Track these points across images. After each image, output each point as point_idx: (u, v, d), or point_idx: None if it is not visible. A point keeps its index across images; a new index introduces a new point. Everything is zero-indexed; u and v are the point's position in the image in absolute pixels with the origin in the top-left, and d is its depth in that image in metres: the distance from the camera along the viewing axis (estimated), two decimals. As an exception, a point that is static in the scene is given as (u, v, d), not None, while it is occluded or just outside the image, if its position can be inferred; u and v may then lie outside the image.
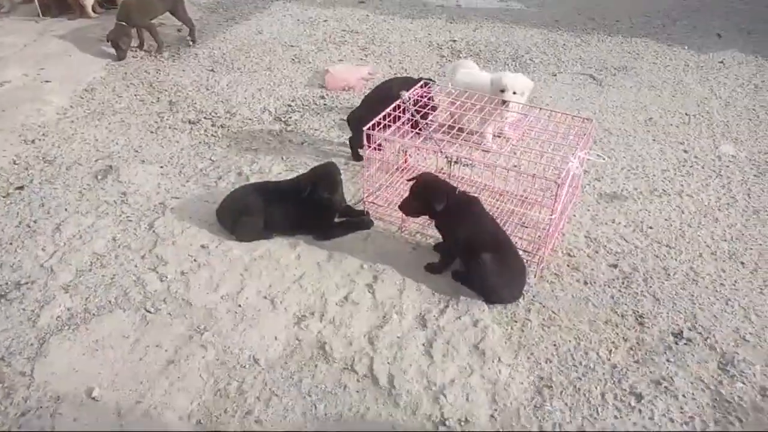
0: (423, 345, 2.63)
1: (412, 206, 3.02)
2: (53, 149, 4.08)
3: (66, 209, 3.48)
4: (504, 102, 3.70)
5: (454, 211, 2.90)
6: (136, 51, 5.54)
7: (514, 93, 3.75)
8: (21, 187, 3.68)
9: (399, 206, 3.07)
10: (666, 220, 3.47)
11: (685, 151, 4.14)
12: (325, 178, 3.21)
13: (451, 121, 3.56)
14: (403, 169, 3.75)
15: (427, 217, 3.08)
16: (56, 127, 4.35)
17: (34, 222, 3.38)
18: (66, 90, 4.88)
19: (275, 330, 2.71)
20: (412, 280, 2.99)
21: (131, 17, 5.30)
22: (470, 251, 2.87)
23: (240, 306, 2.83)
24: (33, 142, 4.16)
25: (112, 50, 5.37)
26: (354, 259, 3.11)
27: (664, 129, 4.43)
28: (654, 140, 4.29)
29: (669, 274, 3.05)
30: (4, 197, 3.59)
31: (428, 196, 2.92)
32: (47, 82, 5.00)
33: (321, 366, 2.54)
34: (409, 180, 3.08)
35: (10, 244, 3.21)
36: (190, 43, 5.75)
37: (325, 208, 3.25)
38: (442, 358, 2.56)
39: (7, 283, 2.95)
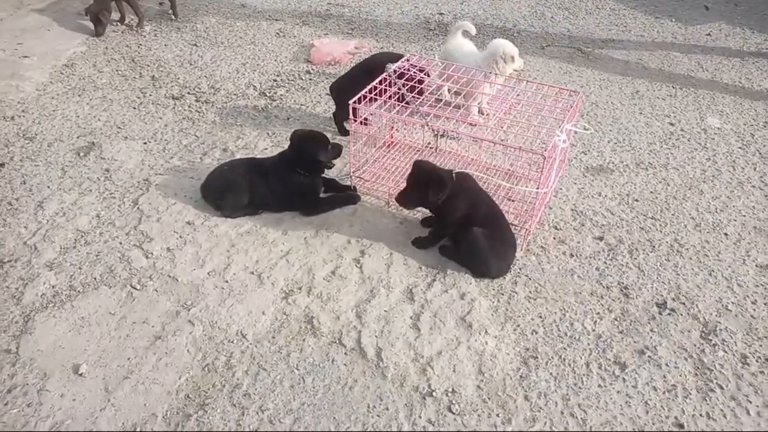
0: (410, 318, 2.65)
1: (411, 198, 2.95)
2: (34, 126, 4.00)
3: (48, 186, 3.43)
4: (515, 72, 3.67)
5: (450, 198, 2.88)
6: (116, 25, 5.40)
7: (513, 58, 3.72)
8: (2, 165, 3.61)
9: (396, 198, 3.00)
10: (651, 192, 3.49)
11: (671, 124, 4.15)
12: (312, 138, 3.20)
13: (448, 95, 3.53)
14: (389, 144, 3.73)
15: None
16: (36, 104, 4.25)
17: (16, 200, 3.32)
18: (45, 65, 4.76)
19: (263, 305, 2.71)
20: (400, 255, 2.99)
21: None
22: (462, 225, 2.87)
23: (227, 281, 2.82)
24: (12, 118, 4.07)
25: (91, 25, 5.23)
26: (341, 234, 3.11)
27: (651, 102, 4.43)
28: (641, 113, 4.30)
29: (654, 246, 3.08)
30: (-16, 175, 3.52)
31: (428, 186, 2.84)
32: (25, 57, 4.87)
33: (309, 340, 2.55)
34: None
35: (-8, 222, 3.17)
36: (173, 17, 5.62)
37: (313, 179, 3.25)
38: (429, 331, 2.58)
39: (-11, 262, 2.92)
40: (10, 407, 2.27)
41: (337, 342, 2.54)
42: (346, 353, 2.49)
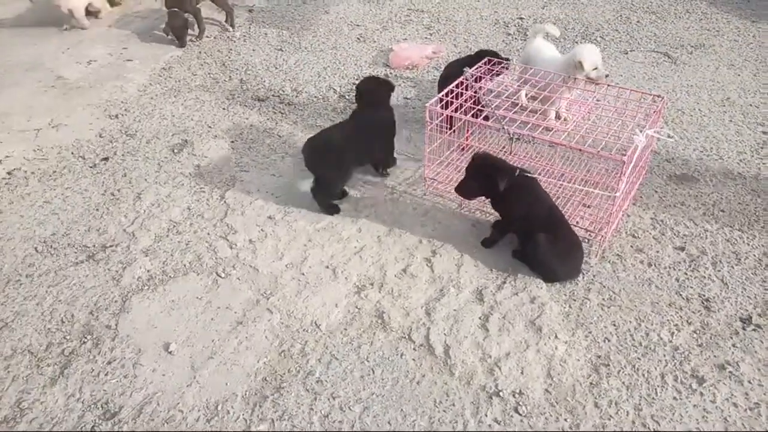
0: (479, 318, 2.68)
1: (470, 188, 3.00)
2: (134, 124, 4.35)
3: (146, 180, 3.73)
4: (592, 81, 3.55)
5: (511, 191, 2.89)
6: (195, 40, 5.66)
7: (595, 68, 3.61)
8: (106, 158, 3.96)
9: (456, 189, 3.05)
10: (740, 203, 3.33)
11: (765, 132, 3.93)
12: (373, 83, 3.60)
13: (525, 99, 3.50)
14: (464, 147, 3.76)
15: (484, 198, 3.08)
16: (137, 103, 4.62)
17: (118, 191, 3.64)
18: (146, 68, 5.16)
19: (336, 298, 2.82)
20: (470, 257, 3.03)
21: (183, 2, 5.45)
22: (526, 231, 2.88)
23: (303, 274, 2.97)
24: (116, 116, 4.45)
25: (174, 39, 5.53)
26: (413, 234, 3.18)
27: (743, 109, 4.21)
28: (731, 121, 4.10)
29: (740, 259, 2.95)
30: (91, 167, 3.87)
31: (489, 176, 2.89)
32: (129, 60, 5.30)
33: (379, 334, 2.64)
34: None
35: (97, 210, 3.48)
36: (229, 29, 5.86)
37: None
38: (497, 332, 2.60)
39: (94, 245, 3.21)
40: (110, 377, 2.50)
41: (407, 337, 2.61)
42: (414, 349, 2.56)
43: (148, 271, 3.02)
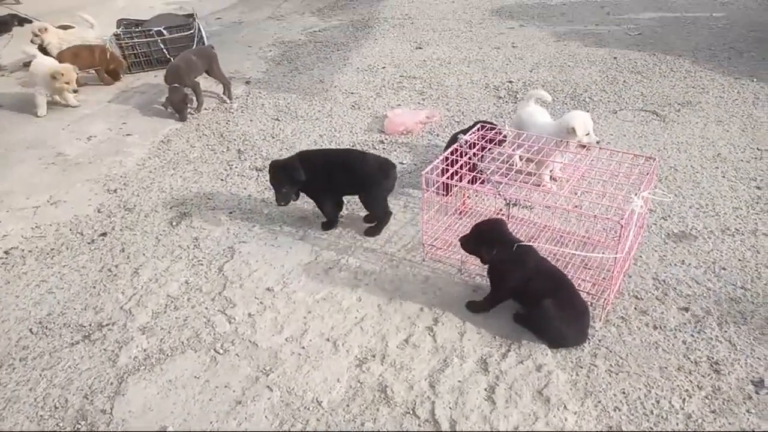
0: (485, 390, 2.61)
1: (468, 244, 3.06)
2: (133, 197, 4.38)
3: (144, 254, 3.72)
4: (583, 146, 3.64)
5: (504, 261, 2.91)
6: (193, 112, 5.76)
7: (587, 134, 3.69)
8: (104, 234, 3.96)
9: (459, 239, 3.11)
10: (740, 260, 3.31)
11: (758, 188, 3.97)
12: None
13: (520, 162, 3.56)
14: (461, 212, 3.78)
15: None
16: (136, 177, 4.67)
17: (116, 267, 3.62)
18: (145, 142, 5.25)
19: (337, 372, 2.76)
20: (473, 324, 2.98)
21: (183, 78, 5.60)
22: (531, 297, 2.85)
23: (303, 348, 2.91)
24: (115, 191, 4.48)
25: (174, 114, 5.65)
26: (414, 302, 3.14)
27: (734, 165, 4.27)
28: (723, 177, 4.14)
29: (746, 318, 2.90)
30: (89, 243, 3.87)
31: (481, 242, 2.95)
32: (128, 135, 5.40)
33: (382, 409, 2.56)
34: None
35: (94, 287, 3.45)
36: (227, 101, 6.00)
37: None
38: (504, 404, 2.53)
39: (90, 325, 3.16)
40: (102, 466, 2.40)
41: (411, 413, 2.53)
42: (420, 425, 2.48)
43: (144, 350, 2.96)
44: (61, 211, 4.26)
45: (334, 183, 3.71)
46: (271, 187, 3.82)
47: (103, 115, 5.86)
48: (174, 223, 4.03)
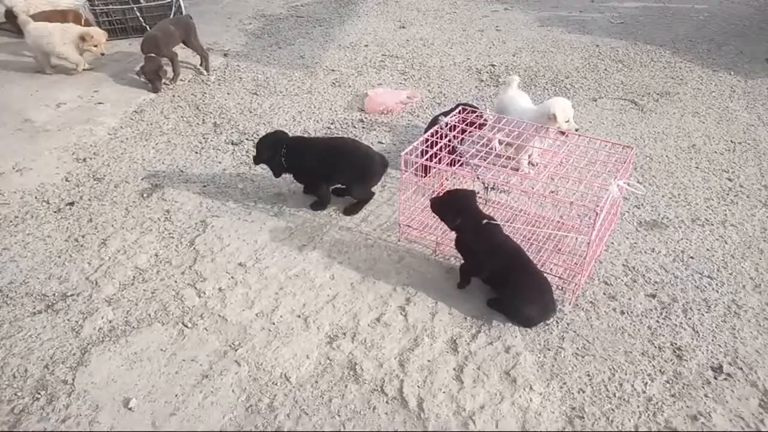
0: (454, 369, 2.62)
1: (437, 206, 3.09)
2: (103, 167, 4.27)
3: (112, 225, 3.63)
4: (563, 133, 3.64)
5: (471, 236, 2.95)
6: (169, 83, 5.61)
7: (567, 121, 3.69)
8: (72, 203, 3.85)
9: (431, 199, 3.15)
10: (708, 250, 3.37)
11: (730, 179, 4.03)
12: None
13: (499, 146, 3.55)
14: (439, 193, 3.77)
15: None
16: (107, 147, 4.55)
17: (82, 237, 3.53)
18: (117, 111, 5.11)
19: (307, 349, 2.74)
20: (445, 304, 2.98)
21: (160, 48, 5.45)
22: (496, 276, 2.87)
23: (273, 324, 2.88)
24: (84, 160, 4.36)
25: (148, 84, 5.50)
26: (387, 281, 3.14)
27: (708, 156, 4.33)
28: (697, 168, 4.20)
29: (710, 306, 2.96)
30: (55, 212, 3.76)
31: (447, 209, 3.01)
32: (100, 103, 5.25)
33: (351, 386, 2.55)
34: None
35: (59, 257, 3.36)
36: (204, 72, 5.87)
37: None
38: (472, 384, 2.55)
39: (54, 294, 3.09)
40: (63, 437, 2.36)
41: (379, 390, 2.53)
42: (387, 402, 2.48)
43: (110, 321, 2.91)
44: (26, 178, 4.14)
45: (329, 172, 3.67)
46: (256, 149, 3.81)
47: (74, 82, 5.68)
48: (145, 195, 3.94)
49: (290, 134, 3.88)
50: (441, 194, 3.12)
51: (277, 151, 3.68)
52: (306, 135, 4.54)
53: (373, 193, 3.78)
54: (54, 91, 5.46)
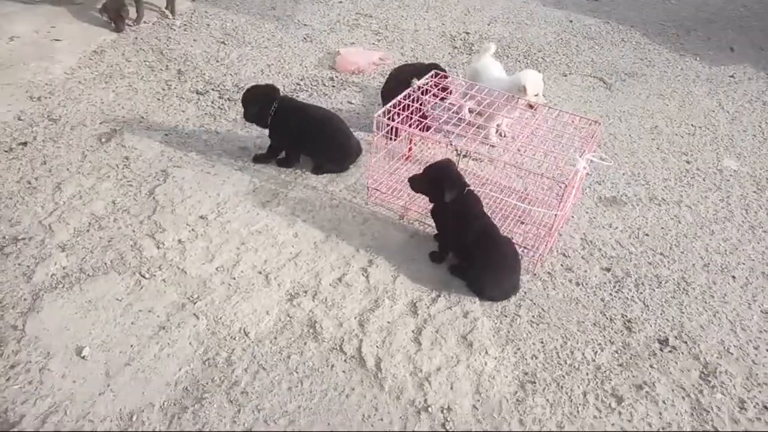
0: (412, 332, 2.66)
1: (420, 184, 3.06)
2: (59, 108, 4.07)
3: (68, 169, 3.49)
4: (531, 106, 3.65)
5: (455, 207, 2.93)
6: (132, 24, 5.36)
7: (536, 95, 3.70)
8: (24, 143, 3.68)
9: (408, 179, 3.12)
10: (662, 228, 3.49)
11: (688, 162, 4.16)
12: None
13: (469, 114, 3.54)
14: (407, 158, 3.76)
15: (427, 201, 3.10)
16: (63, 87, 4.33)
17: (35, 179, 3.38)
18: (75, 50, 4.85)
19: (267, 305, 2.73)
20: (407, 268, 3.01)
21: None
22: (468, 248, 2.90)
23: (234, 279, 2.85)
24: (39, 99, 4.15)
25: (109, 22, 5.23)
26: (351, 243, 3.13)
27: (669, 138, 4.44)
28: (658, 149, 4.31)
29: (660, 282, 3.08)
30: (6, 152, 3.58)
31: (440, 183, 2.94)
32: (57, 40, 4.97)
33: (310, 344, 2.57)
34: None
35: (10, 199, 3.22)
36: (169, 15, 5.61)
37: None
38: (429, 346, 2.59)
39: (4, 237, 2.97)
40: (11, 383, 2.30)
41: (338, 348, 2.55)
42: (345, 360, 2.51)
43: (63, 268, 2.82)
44: (-25, 114, 3.91)
45: (306, 142, 3.61)
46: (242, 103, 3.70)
47: (28, 14, 5.34)
48: (103, 140, 3.79)
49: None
50: (421, 172, 3.06)
51: (268, 106, 3.56)
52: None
53: (344, 169, 3.73)
54: (6, 23, 5.13)
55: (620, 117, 4.69)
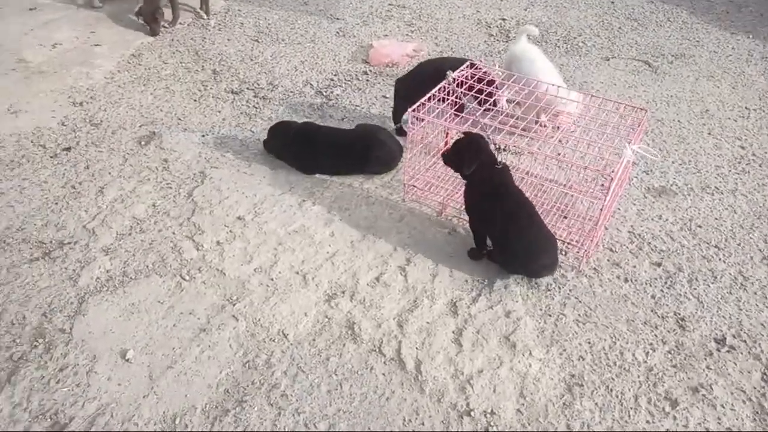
0: (453, 332, 2.60)
1: (449, 156, 3.00)
2: (100, 112, 4.15)
3: (110, 173, 3.55)
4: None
5: (486, 181, 2.85)
6: (167, 26, 5.39)
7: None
8: (68, 149, 3.76)
9: (441, 153, 3.07)
10: (716, 219, 3.31)
11: (742, 147, 3.93)
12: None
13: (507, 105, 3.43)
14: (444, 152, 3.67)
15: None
16: (104, 91, 4.41)
17: (79, 184, 3.45)
18: (114, 54, 4.94)
19: (305, 306, 2.71)
20: (445, 266, 2.94)
21: None
22: (499, 227, 2.82)
23: (272, 279, 2.85)
24: (81, 104, 4.24)
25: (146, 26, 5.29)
26: (388, 241, 3.08)
27: (721, 122, 4.21)
28: (709, 134, 4.09)
29: (716, 277, 2.92)
30: (51, 158, 3.67)
31: (462, 154, 2.89)
32: (97, 45, 5.07)
33: (349, 346, 2.54)
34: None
35: (56, 204, 3.30)
36: (204, 16, 5.64)
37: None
38: (471, 347, 2.53)
39: (51, 242, 3.04)
40: (61, 385, 2.35)
41: (377, 350, 2.52)
42: (385, 363, 2.47)
43: (107, 271, 2.87)
44: (22, 121, 4.02)
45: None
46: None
47: (70, 21, 5.47)
48: (143, 143, 3.84)
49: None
50: (452, 145, 3.00)
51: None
52: (311, 96, 4.37)
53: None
54: (49, 30, 5.26)
55: (668, 102, 4.48)
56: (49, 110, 4.15)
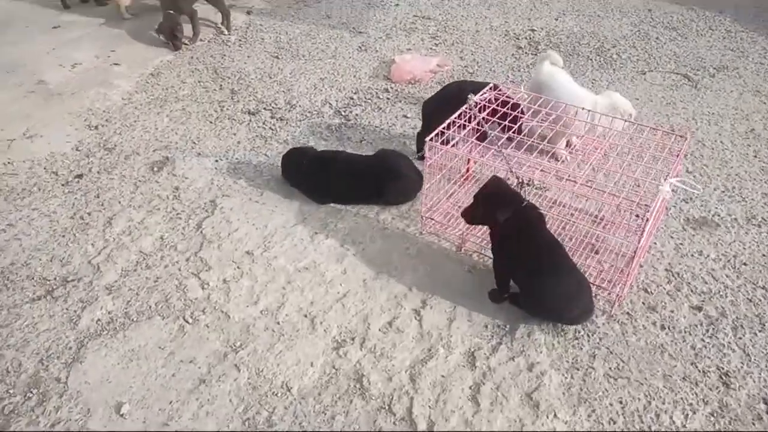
0: (470, 388, 2.39)
1: (474, 213, 2.77)
2: (114, 136, 4.08)
3: (120, 202, 3.46)
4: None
5: (513, 225, 2.63)
6: (188, 43, 5.33)
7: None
8: (80, 176, 3.69)
9: (462, 212, 2.83)
10: (764, 255, 3.02)
11: (794, 173, 3.61)
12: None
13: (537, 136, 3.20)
14: (465, 178, 3.47)
15: (488, 231, 2.80)
16: (120, 113, 4.35)
17: (88, 214, 3.37)
18: (133, 73, 4.88)
19: (312, 355, 2.54)
20: (464, 308, 2.74)
21: (178, 4, 5.19)
22: (527, 271, 2.60)
23: (278, 323, 2.69)
24: (96, 128, 4.17)
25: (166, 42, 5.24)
26: (402, 279, 2.89)
27: (769, 144, 3.89)
28: (755, 156, 3.77)
29: (764, 324, 2.64)
30: (63, 185, 3.60)
31: (490, 207, 2.67)
32: (116, 64, 5.02)
33: (356, 402, 2.35)
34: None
35: (63, 236, 3.21)
36: (225, 31, 5.55)
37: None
38: (489, 406, 2.32)
39: (55, 278, 2.95)
40: (52, 442, 2.24)
41: (387, 408, 2.33)
42: (395, 422, 2.28)
43: (109, 312, 2.75)
44: (37, 146, 3.98)
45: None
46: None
47: (91, 39, 5.45)
48: (155, 169, 3.74)
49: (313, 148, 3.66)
50: (473, 201, 2.78)
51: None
52: (328, 119, 4.22)
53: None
54: (70, 49, 5.25)
55: (709, 120, 4.16)
56: (64, 134, 4.10)
